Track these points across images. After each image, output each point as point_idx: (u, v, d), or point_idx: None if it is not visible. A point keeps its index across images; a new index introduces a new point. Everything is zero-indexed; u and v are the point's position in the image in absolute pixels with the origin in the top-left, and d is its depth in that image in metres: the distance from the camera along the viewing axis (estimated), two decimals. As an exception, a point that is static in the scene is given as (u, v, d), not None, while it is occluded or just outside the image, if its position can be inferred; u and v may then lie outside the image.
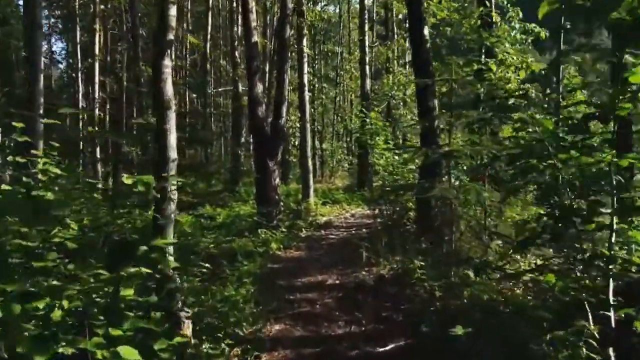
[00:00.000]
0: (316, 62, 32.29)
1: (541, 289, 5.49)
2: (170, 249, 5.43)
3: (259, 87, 12.69)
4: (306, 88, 16.78)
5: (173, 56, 29.91)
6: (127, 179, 6.25)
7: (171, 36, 5.46)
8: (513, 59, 9.15)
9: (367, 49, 23.47)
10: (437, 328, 5.83)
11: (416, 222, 10.27)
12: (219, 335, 5.77)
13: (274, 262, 9.89)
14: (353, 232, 13.69)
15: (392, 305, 7.01)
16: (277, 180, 12.76)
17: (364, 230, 13.79)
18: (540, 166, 3.93)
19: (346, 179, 30.49)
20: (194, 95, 35.09)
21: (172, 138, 5.32)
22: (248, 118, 14.03)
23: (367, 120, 12.50)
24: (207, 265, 7.60)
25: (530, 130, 4.16)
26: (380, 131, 12.62)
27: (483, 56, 12.73)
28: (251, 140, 16.81)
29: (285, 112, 12.93)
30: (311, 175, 16.59)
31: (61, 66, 43.34)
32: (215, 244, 10.42)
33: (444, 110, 8.64)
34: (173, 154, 5.34)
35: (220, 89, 36.96)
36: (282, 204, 13.33)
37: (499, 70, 8.10)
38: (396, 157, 13.31)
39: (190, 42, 30.64)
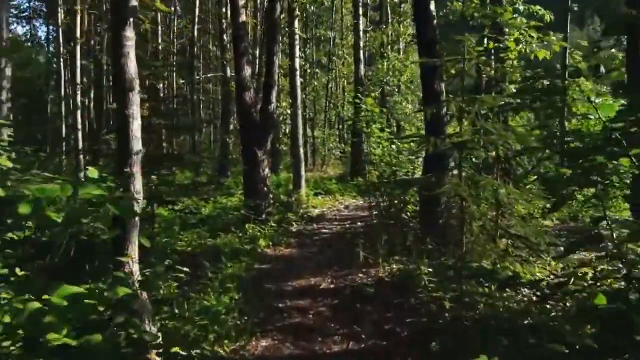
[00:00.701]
0: (308, 46, 31.25)
1: (582, 307, 4.64)
2: (135, 258, 4.56)
3: (247, 71, 11.75)
4: (298, 72, 15.84)
5: (159, 39, 29.00)
6: (92, 172, 5.38)
7: (134, 2, 4.53)
8: (532, 37, 8.22)
9: (361, 33, 22.49)
10: (450, 348, 5.03)
11: (419, 218, 9.41)
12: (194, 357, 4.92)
13: (262, 261, 9.02)
14: (347, 225, 12.86)
15: (395, 317, 6.17)
16: (267, 170, 11.87)
17: (359, 223, 12.96)
18: (608, 164, 3.09)
19: (338, 167, 29.62)
20: (182, 81, 34.03)
21: (136, 125, 4.42)
22: (235, 104, 13.07)
23: (363, 106, 11.61)
24: (185, 269, 6.76)
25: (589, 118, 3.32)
26: (377, 118, 11.74)
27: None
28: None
29: (276, 98, 12.00)
30: (303, 165, 15.72)
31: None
32: (197, 243, 9.55)
33: (451, 96, 7.80)
34: (137, 144, 4.45)
35: (209, 75, 35.97)
36: (271, 196, 12.44)
37: (513, 51, 7.20)
38: (393, 147, 12.46)
39: (177, 25, 29.62)
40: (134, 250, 4.52)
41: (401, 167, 11.46)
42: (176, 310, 5.67)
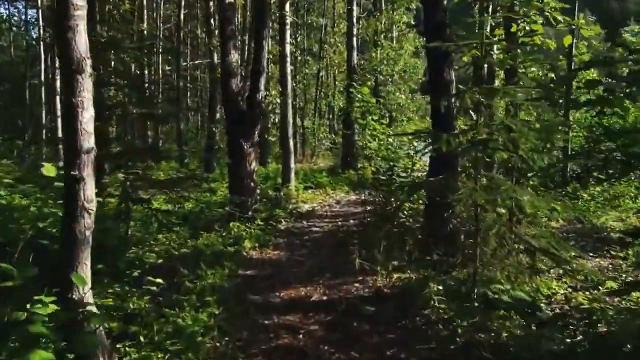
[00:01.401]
0: (299, 33, 30.23)
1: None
2: (86, 279, 3.69)
3: (234, 56, 10.84)
4: (288, 59, 14.89)
5: (145, 23, 27.89)
6: (48, 170, 4.54)
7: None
8: (560, 20, 7.32)
9: (354, 20, 21.55)
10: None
11: (423, 222, 8.58)
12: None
13: (246, 266, 8.17)
14: (339, 223, 12.05)
15: (399, 340, 5.35)
16: (254, 164, 10.99)
17: (351, 221, 12.15)
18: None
19: (329, 158, 28.76)
20: (168, 68, 32.92)
21: (87, 117, 3.52)
22: (221, 92, 12.16)
23: (359, 96, 10.76)
24: (157, 281, 5.90)
25: None
26: (373, 110, 10.88)
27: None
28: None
29: (264, 86, 11.10)
30: (293, 157, 14.85)
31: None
32: (176, 245, 8.67)
33: (460, 86, 6.95)
34: (88, 141, 3.54)
35: (196, 62, 34.85)
36: (258, 191, 11.57)
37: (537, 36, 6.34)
38: (390, 140, 11.63)
39: (164, 10, 28.55)
40: (84, 272, 3.64)
41: (398, 162, 10.62)
42: (142, 338, 4.79)
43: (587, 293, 6.26)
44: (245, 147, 10.63)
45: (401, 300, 6.26)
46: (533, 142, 5.18)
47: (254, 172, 11.01)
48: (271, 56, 20.77)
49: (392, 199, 10.54)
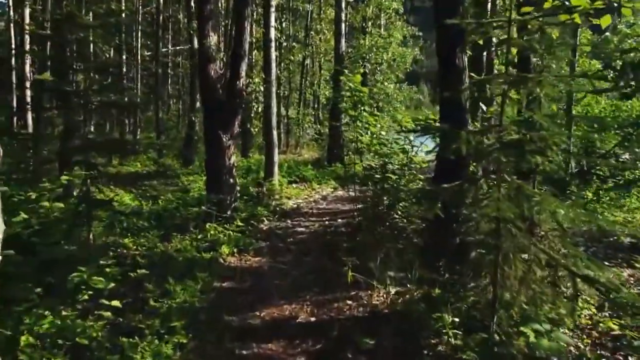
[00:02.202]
0: (284, 18, 29.05)
1: None
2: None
3: (213, 39, 9.78)
4: (273, 44, 13.82)
5: (123, 6, 26.58)
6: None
7: None
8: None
9: (343, 4, 20.48)
10: None
11: (424, 228, 7.63)
12: None
13: (223, 277, 7.17)
14: (327, 222, 11.10)
15: (404, 381, 4.43)
16: (233, 159, 9.96)
17: (339, 220, 11.22)
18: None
19: (314, 149, 27.76)
20: (148, 54, 31.67)
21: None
22: (198, 79, 11.09)
23: (351, 85, 9.77)
24: (114, 304, 4.91)
25: None
26: (366, 100, 9.89)
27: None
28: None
29: (246, 72, 10.05)
30: (276, 150, 13.80)
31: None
32: (143, 251, 7.66)
33: (472, 75, 5.98)
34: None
35: (177, 48, 33.58)
36: (238, 188, 10.55)
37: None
38: (383, 133, 10.66)
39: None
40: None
41: (392, 158, 9.67)
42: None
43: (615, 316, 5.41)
44: (224, 139, 9.62)
45: (403, 324, 5.33)
46: (566, 143, 4.24)
47: (234, 166, 9.99)
48: (254, 40, 19.64)
49: (385, 198, 9.62)
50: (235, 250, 8.26)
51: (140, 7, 28.17)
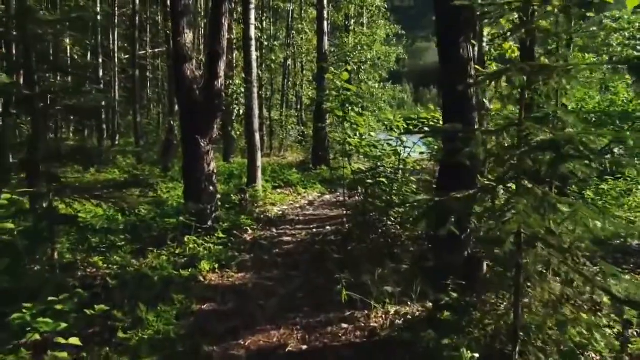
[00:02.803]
0: (265, 16, 28.28)
1: None
2: None
3: (188, 36, 9.06)
4: (253, 42, 13.11)
5: (98, 8, 25.70)
6: None
7: None
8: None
9: (325, 2, 19.80)
10: None
11: (428, 242, 6.96)
12: None
13: (203, 298, 6.45)
14: (314, 230, 10.45)
15: None
16: (213, 164, 9.24)
17: (328, 227, 10.56)
18: None
19: (298, 152, 27.11)
20: (126, 57, 30.79)
21: None
22: (174, 80, 10.36)
23: (338, 83, 9.09)
24: (73, 341, 4.19)
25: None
26: (354, 99, 9.22)
27: None
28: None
29: (224, 71, 9.32)
30: (259, 154, 13.07)
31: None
32: (114, 271, 6.92)
33: (475, 66, 5.31)
34: None
35: (156, 50, 32.69)
36: (219, 196, 9.84)
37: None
38: (373, 134, 10.03)
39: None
40: None
41: (384, 160, 9.02)
42: None
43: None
44: (202, 143, 8.90)
45: (407, 352, 4.67)
46: (595, 142, 3.61)
47: (214, 173, 9.27)
48: (235, 40, 18.91)
49: (376, 203, 8.98)
50: (216, 265, 7.54)
51: (117, 9, 27.29)
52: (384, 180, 8.76)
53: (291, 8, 30.46)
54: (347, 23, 24.72)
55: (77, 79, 10.09)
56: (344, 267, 7.36)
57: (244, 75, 13.79)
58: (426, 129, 8.42)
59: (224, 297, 6.58)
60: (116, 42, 27.11)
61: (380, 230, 9.21)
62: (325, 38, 19.71)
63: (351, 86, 9.33)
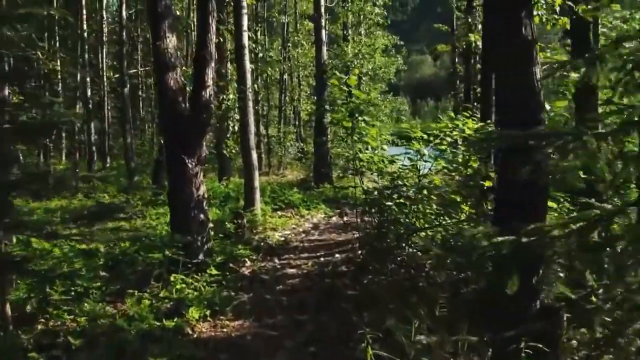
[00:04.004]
0: (259, 26, 27.06)
1: None
2: None
3: (171, 40, 7.81)
4: (247, 52, 11.86)
5: (84, 25, 24.58)
6: None
7: None
8: None
9: (322, 10, 18.63)
10: None
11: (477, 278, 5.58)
12: None
13: (189, 358, 5.13)
14: (322, 259, 9.14)
15: None
16: (203, 188, 7.94)
17: (337, 255, 9.26)
18: None
19: (298, 169, 25.83)
20: (115, 76, 29.60)
21: None
22: (156, 91, 9.08)
23: (345, 89, 7.84)
24: None
25: None
26: (365, 108, 7.94)
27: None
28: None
29: (212, 79, 8.05)
30: (257, 174, 11.75)
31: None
32: (82, 325, 5.59)
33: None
34: None
35: (147, 68, 31.50)
36: (211, 225, 8.54)
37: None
38: (385, 148, 8.74)
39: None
40: None
41: (402, 177, 7.72)
42: None
43: None
44: (189, 164, 7.61)
45: None
46: None
47: (204, 198, 7.97)
48: (228, 53, 17.70)
49: (392, 227, 7.69)
50: (207, 312, 6.20)
51: (105, 26, 26.16)
52: (403, 201, 7.49)
53: (286, 20, 29.37)
54: (345, 32, 23.61)
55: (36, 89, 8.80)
56: (361, 306, 6.13)
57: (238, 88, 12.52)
58: (471, 138, 7.09)
59: (216, 354, 5.25)
60: (104, 60, 25.96)
61: (399, 258, 7.93)
62: (324, 48, 18.53)
63: (359, 92, 8.07)
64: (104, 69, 26.07)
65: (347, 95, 8.18)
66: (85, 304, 6.18)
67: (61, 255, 7.09)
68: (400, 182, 7.52)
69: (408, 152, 7.91)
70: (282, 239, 10.69)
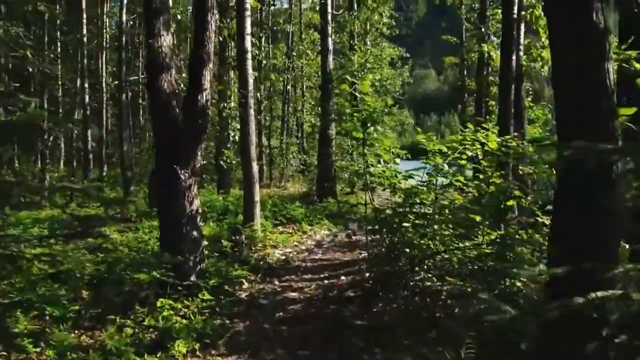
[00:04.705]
0: (263, 32, 26.34)
1: None
2: None
3: (165, 39, 7.06)
4: (249, 56, 11.11)
5: (84, 29, 23.90)
6: None
7: None
8: None
9: (329, 17, 17.93)
10: None
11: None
12: None
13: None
14: (327, 281, 8.41)
15: None
16: (197, 202, 7.15)
17: (343, 278, 8.50)
18: None
19: (300, 182, 25.04)
20: (115, 82, 28.96)
21: None
22: (147, 95, 8.32)
23: (357, 95, 7.09)
24: None
25: None
26: (377, 117, 7.16)
27: None
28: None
29: (209, 81, 7.28)
30: (257, 187, 10.96)
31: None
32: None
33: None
34: None
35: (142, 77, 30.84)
36: (206, 242, 7.76)
37: None
38: (397, 162, 7.96)
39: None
40: None
41: (423, 196, 6.93)
42: None
43: None
44: (182, 175, 6.83)
45: None
46: None
47: (198, 213, 7.18)
48: (230, 60, 17.00)
49: (412, 250, 6.93)
50: (197, 346, 5.40)
51: (106, 32, 25.55)
52: (419, 221, 6.72)
53: (291, 30, 28.71)
54: (352, 42, 22.92)
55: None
56: (372, 340, 5.38)
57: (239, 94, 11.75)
58: (541, 144, 6.34)
59: (204, 402, 4.46)
60: (104, 66, 25.28)
61: (412, 283, 7.16)
62: (330, 56, 17.82)
63: (372, 100, 7.32)
64: (104, 75, 25.39)
65: (356, 104, 7.45)
66: (55, 334, 5.37)
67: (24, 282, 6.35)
68: (417, 200, 6.72)
69: (422, 167, 7.15)
70: (283, 257, 9.91)
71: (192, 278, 6.93)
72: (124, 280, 7.28)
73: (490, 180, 6.91)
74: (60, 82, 30.09)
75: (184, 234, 6.91)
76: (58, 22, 29.54)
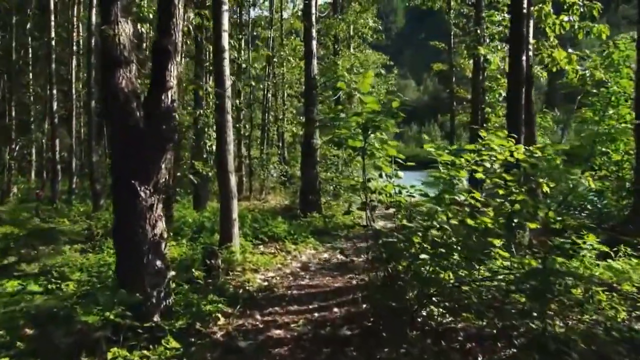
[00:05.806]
0: (243, 33, 25.03)
1: None
2: None
3: (124, 27, 5.81)
4: (226, 55, 9.87)
5: (53, 32, 22.50)
6: None
7: None
8: None
9: (313, 19, 16.75)
10: None
11: None
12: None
13: None
14: (317, 314, 7.21)
15: None
16: (161, 225, 5.85)
17: (335, 310, 7.29)
18: None
19: (282, 195, 23.76)
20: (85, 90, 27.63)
21: None
22: (102, 90, 6.99)
23: (362, 98, 5.91)
24: None
25: None
26: (381, 122, 5.96)
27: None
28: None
29: (176, 77, 6.02)
30: (235, 203, 9.68)
31: None
32: None
33: None
34: None
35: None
36: (173, 273, 6.47)
37: None
38: (400, 175, 6.74)
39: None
40: None
41: (434, 217, 5.75)
42: None
43: None
44: (142, 194, 5.56)
45: None
46: None
47: (162, 239, 5.89)
48: (208, 64, 15.74)
49: (419, 282, 5.74)
50: (154, 417, 4.14)
51: (75, 35, 24.18)
52: (431, 249, 5.54)
53: (271, 35, 27.51)
54: (336, 47, 21.82)
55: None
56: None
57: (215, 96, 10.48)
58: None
59: None
60: (74, 73, 23.90)
61: (419, 319, 5.97)
62: (314, 61, 16.62)
63: (372, 101, 6.12)
64: (73, 80, 24.03)
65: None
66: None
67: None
68: (435, 224, 5.53)
69: (426, 181, 6.00)
70: (265, 283, 8.65)
71: (155, 318, 5.63)
72: (70, 321, 5.98)
73: (515, 198, 5.76)
74: (31, 90, 28.76)
75: (144, 265, 5.61)
76: (28, 26, 28.20)
